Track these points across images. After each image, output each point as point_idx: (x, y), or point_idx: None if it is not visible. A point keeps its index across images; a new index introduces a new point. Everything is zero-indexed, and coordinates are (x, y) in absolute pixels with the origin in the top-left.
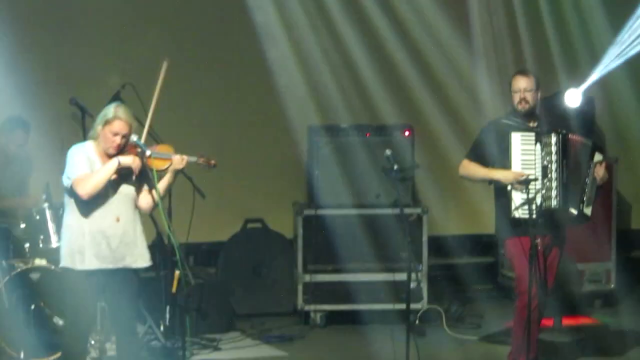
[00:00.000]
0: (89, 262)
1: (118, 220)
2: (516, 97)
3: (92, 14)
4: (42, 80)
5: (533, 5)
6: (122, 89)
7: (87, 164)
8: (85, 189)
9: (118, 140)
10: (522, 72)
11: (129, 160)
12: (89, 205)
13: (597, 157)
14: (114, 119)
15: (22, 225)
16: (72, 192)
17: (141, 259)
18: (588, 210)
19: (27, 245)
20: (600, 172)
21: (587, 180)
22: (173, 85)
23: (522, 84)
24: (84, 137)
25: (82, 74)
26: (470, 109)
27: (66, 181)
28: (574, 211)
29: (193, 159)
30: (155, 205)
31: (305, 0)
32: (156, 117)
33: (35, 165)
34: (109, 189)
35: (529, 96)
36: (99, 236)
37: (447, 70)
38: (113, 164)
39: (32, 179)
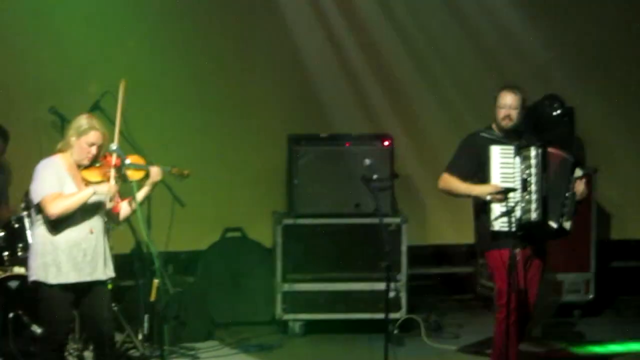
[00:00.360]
0: (66, 275)
1: (92, 232)
2: (501, 113)
3: (72, 22)
4: (21, 88)
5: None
6: (101, 98)
7: (57, 182)
8: (55, 211)
9: (94, 150)
10: (510, 88)
11: (104, 189)
12: (63, 219)
13: (577, 172)
14: (89, 129)
15: (1, 234)
16: (39, 209)
17: (109, 269)
18: (567, 225)
19: (5, 253)
20: (580, 187)
21: (567, 194)
22: (151, 93)
23: (509, 100)
24: None
25: (61, 82)
26: (449, 119)
27: (35, 197)
28: (553, 224)
29: (167, 169)
30: (131, 214)
31: (293, 6)
32: (133, 125)
33: (13, 174)
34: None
35: (514, 114)
36: (75, 249)
37: (428, 80)
38: (88, 192)
39: (11, 188)
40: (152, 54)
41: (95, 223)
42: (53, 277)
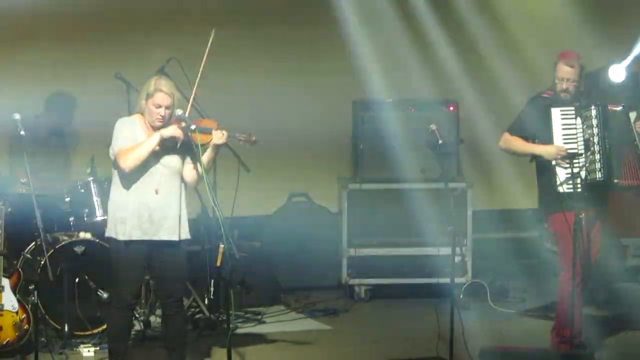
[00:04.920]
0: (130, 232)
1: (157, 192)
2: (558, 84)
3: None
4: (88, 55)
5: None
6: (167, 64)
7: (131, 137)
8: (127, 162)
9: (162, 112)
10: (568, 60)
11: (171, 131)
12: (131, 177)
13: (632, 115)
14: (155, 92)
15: (67, 199)
16: (116, 164)
17: (183, 231)
18: None
19: (71, 218)
20: None
21: (636, 143)
22: (217, 60)
23: (566, 74)
24: (129, 111)
25: (127, 48)
26: (515, 84)
27: (111, 153)
28: (618, 182)
29: (234, 134)
30: (199, 178)
31: None
32: (200, 92)
33: (80, 139)
34: (151, 161)
35: (572, 87)
36: (142, 208)
37: (492, 45)
38: (155, 137)
39: (79, 153)
40: (218, 20)
41: (164, 184)
42: (122, 234)
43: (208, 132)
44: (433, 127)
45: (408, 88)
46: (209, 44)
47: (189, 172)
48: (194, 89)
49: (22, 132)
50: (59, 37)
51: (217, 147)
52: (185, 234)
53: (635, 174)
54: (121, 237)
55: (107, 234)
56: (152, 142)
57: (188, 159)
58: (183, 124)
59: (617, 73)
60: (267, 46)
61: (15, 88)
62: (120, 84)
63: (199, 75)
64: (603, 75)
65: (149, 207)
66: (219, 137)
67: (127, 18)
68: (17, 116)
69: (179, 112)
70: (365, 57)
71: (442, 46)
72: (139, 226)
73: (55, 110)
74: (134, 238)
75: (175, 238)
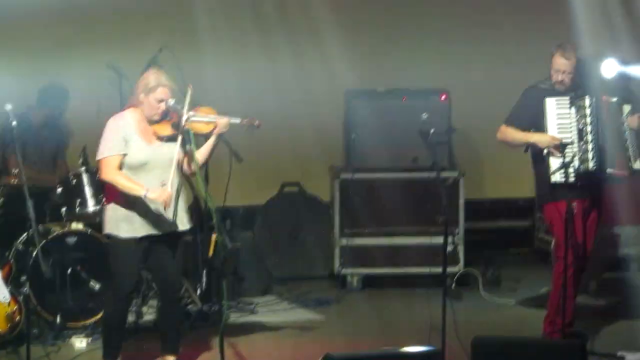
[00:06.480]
0: (138, 229)
1: (163, 185)
2: (554, 75)
3: None
4: (79, 44)
5: None
6: (159, 53)
7: (120, 143)
8: (105, 177)
9: (163, 106)
10: (565, 52)
11: (155, 195)
12: (134, 172)
13: (626, 108)
14: (157, 86)
15: (59, 189)
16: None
17: (183, 222)
18: (637, 164)
19: (63, 209)
20: (634, 122)
21: (625, 135)
22: (207, 49)
23: (562, 66)
24: (121, 101)
25: (119, 37)
26: (508, 72)
27: (97, 154)
28: (611, 171)
29: (237, 120)
30: (196, 167)
31: None
32: (194, 81)
33: (72, 130)
34: (154, 155)
35: (567, 79)
36: (150, 203)
37: (486, 32)
38: (139, 192)
39: (71, 144)
40: (211, 8)
41: (167, 176)
42: (125, 231)
43: (210, 120)
44: (425, 116)
45: (400, 77)
46: (187, 99)
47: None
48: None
49: (14, 123)
50: (51, 26)
51: (220, 136)
52: (187, 225)
53: (624, 165)
54: (124, 235)
55: (107, 231)
56: (131, 190)
57: (188, 149)
58: (178, 114)
59: (610, 68)
60: (260, 35)
61: (7, 78)
62: (112, 74)
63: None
64: (595, 66)
65: (157, 202)
66: (224, 124)
67: (119, 7)
68: (8, 107)
69: (171, 101)
70: (359, 45)
71: (434, 34)
72: (146, 222)
73: (47, 101)
74: (141, 234)
75: (187, 227)
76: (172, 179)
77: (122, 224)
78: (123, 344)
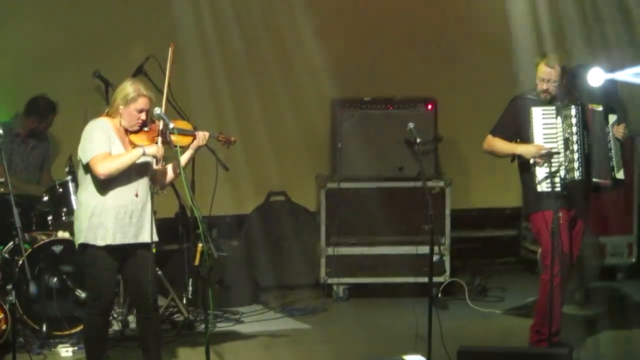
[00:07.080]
0: (112, 237)
1: (137, 195)
2: (539, 85)
3: None
4: (66, 52)
5: None
6: (145, 62)
7: (106, 142)
8: (103, 170)
9: (143, 116)
10: (549, 61)
11: (154, 150)
12: (111, 181)
13: (611, 118)
14: (138, 96)
15: (45, 198)
16: (88, 168)
17: (154, 233)
18: (620, 174)
19: (49, 218)
20: (619, 131)
21: (610, 145)
22: (193, 59)
23: (546, 75)
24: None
25: (105, 46)
26: (495, 81)
27: (84, 157)
28: (597, 180)
29: (214, 135)
30: (175, 178)
31: None
32: (177, 91)
33: (58, 139)
34: (129, 165)
35: (552, 88)
36: (122, 211)
37: (473, 42)
38: (138, 152)
39: (55, 153)
40: (194, 18)
41: (141, 186)
42: (101, 239)
43: (189, 134)
44: (411, 125)
45: (386, 86)
46: (169, 60)
47: (167, 173)
48: (164, 97)
49: (0, 132)
50: (39, 34)
51: (198, 149)
52: (156, 236)
53: (607, 174)
54: (101, 242)
55: (82, 241)
56: (134, 156)
57: (163, 161)
58: (161, 125)
59: (596, 77)
60: (244, 44)
61: None
62: (98, 82)
63: (166, 88)
64: (582, 75)
65: (129, 210)
66: (202, 138)
67: (106, 16)
68: None
69: (157, 110)
70: (345, 55)
71: (421, 43)
72: (121, 229)
73: (34, 111)
74: (116, 242)
75: (154, 239)
76: (146, 189)
77: (99, 231)
78: (109, 352)
